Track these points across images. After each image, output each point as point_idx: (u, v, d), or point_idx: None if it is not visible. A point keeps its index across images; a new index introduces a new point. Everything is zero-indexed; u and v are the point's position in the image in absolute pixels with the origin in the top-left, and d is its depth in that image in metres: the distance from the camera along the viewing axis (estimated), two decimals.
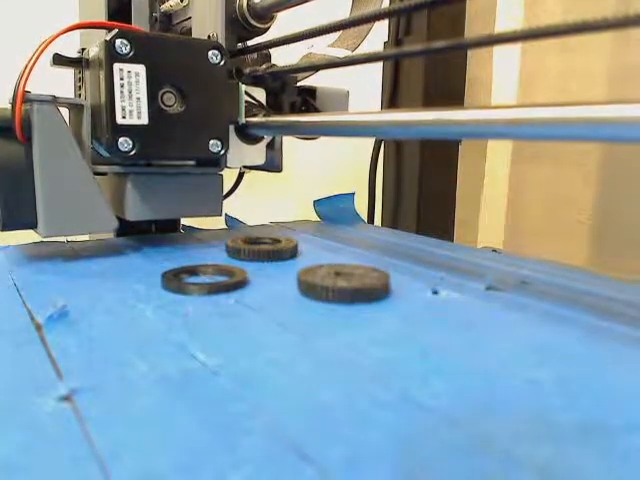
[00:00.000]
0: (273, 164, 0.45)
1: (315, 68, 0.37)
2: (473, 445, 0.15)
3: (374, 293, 0.27)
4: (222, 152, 0.37)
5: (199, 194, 0.40)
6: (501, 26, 0.66)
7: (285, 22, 0.41)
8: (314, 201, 0.52)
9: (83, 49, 0.37)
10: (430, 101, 0.61)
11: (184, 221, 0.50)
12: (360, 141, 0.71)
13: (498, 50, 0.67)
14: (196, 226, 0.49)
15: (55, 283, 0.30)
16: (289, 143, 0.47)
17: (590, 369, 0.20)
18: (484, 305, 0.27)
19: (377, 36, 0.65)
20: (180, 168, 0.40)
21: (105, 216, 0.35)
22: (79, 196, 0.33)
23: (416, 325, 0.24)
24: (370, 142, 0.67)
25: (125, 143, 0.33)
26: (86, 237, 0.51)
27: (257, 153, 0.42)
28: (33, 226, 0.34)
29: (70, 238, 0.40)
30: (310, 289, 0.27)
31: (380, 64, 0.67)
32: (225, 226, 0.49)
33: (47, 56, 0.36)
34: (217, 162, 0.40)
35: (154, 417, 0.16)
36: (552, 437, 0.15)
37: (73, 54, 0.38)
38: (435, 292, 0.28)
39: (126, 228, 0.46)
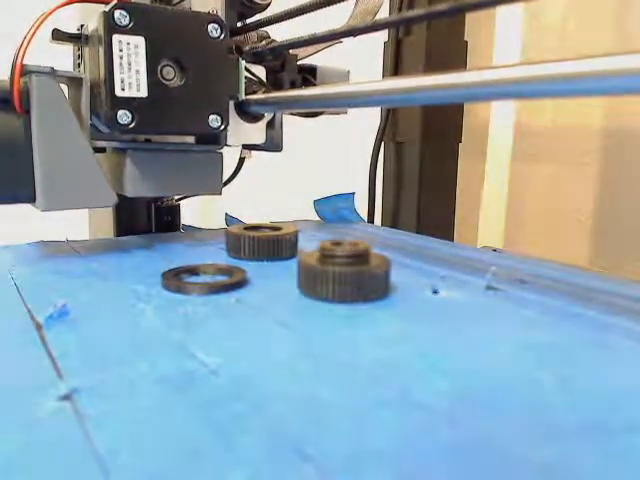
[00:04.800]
0: (273, 143, 0.45)
1: (315, 41, 0.36)
2: (473, 445, 0.15)
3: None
4: (222, 127, 0.37)
5: (199, 172, 0.39)
6: (501, 16, 0.66)
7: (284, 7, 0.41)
8: (314, 201, 0.52)
9: (82, 25, 0.37)
10: None
11: (184, 221, 0.50)
12: (360, 141, 0.71)
13: (499, 45, 0.67)
14: (196, 226, 0.49)
15: (55, 283, 0.30)
16: (288, 143, 0.47)
17: (591, 368, 0.20)
18: (484, 304, 0.27)
19: (378, 37, 0.65)
20: (180, 145, 0.39)
21: (104, 191, 0.34)
22: (78, 169, 0.33)
23: (416, 324, 0.24)
24: (370, 142, 0.67)
25: (124, 116, 0.33)
26: (86, 237, 0.52)
27: (257, 132, 0.41)
28: (31, 200, 0.33)
29: (70, 238, 0.40)
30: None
31: (380, 62, 0.67)
32: (225, 226, 0.49)
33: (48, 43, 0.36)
34: (217, 139, 0.40)
35: (154, 417, 0.16)
36: (552, 437, 0.15)
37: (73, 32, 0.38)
38: (435, 291, 0.28)
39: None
